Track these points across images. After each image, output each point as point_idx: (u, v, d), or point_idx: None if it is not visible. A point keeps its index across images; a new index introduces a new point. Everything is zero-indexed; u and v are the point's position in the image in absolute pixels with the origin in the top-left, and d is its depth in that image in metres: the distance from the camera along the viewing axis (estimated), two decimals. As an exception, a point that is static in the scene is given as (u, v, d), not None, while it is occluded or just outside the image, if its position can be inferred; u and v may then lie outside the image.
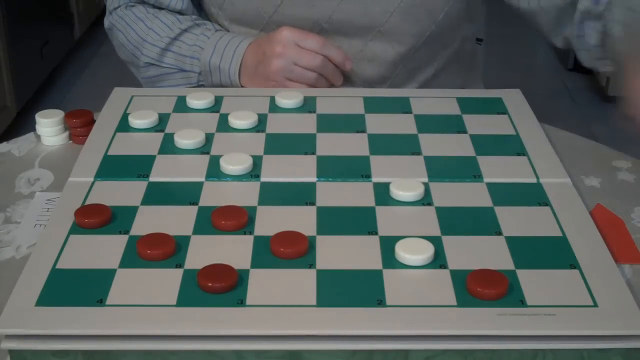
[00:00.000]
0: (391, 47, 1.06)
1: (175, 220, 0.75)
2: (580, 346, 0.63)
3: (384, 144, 0.89)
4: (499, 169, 0.84)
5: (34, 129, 0.96)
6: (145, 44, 1.10)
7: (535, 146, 0.89)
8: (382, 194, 0.80)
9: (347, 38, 1.06)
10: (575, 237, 0.73)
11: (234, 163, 0.83)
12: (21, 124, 2.61)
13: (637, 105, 0.85)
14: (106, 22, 1.18)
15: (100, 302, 0.64)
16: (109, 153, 0.87)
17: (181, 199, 0.79)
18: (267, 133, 0.91)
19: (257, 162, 0.84)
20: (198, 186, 0.81)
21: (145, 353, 0.62)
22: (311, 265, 0.69)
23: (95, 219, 0.74)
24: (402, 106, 0.97)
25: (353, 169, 0.84)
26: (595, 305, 0.65)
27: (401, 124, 0.93)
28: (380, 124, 0.93)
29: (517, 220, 0.76)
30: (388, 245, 0.71)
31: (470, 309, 0.64)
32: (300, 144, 0.88)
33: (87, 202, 0.77)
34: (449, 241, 0.72)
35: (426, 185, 0.81)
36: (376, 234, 0.73)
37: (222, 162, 0.83)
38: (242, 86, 1.06)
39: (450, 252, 0.71)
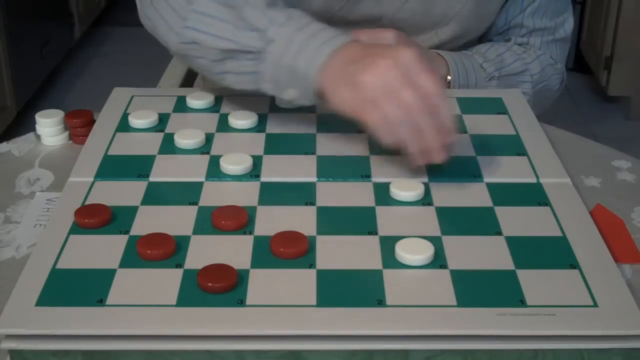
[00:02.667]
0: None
1: (175, 220, 0.75)
2: (580, 346, 0.63)
3: (383, 144, 0.88)
4: (499, 169, 0.84)
5: (34, 129, 0.96)
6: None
7: (535, 146, 0.89)
8: (382, 194, 0.80)
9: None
10: (575, 237, 0.73)
11: (234, 163, 0.83)
12: (21, 124, 2.61)
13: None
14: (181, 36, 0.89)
15: (100, 302, 0.64)
16: (109, 153, 0.87)
17: (181, 199, 0.79)
18: (267, 133, 0.91)
19: (257, 162, 0.84)
20: (198, 186, 0.81)
21: (145, 353, 0.62)
22: (311, 265, 0.69)
23: (95, 219, 0.74)
24: (402, 106, 0.97)
25: (353, 169, 0.84)
26: (595, 305, 0.65)
27: (401, 124, 0.93)
28: (380, 124, 0.93)
29: (517, 220, 0.76)
30: (388, 245, 0.71)
31: (470, 309, 0.64)
32: (300, 144, 0.88)
33: (87, 202, 0.77)
34: (449, 241, 0.72)
35: (426, 185, 0.81)
36: (376, 234, 0.73)
37: (222, 162, 0.83)
38: (317, 84, 0.82)
39: (450, 252, 0.71)
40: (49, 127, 0.94)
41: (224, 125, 0.92)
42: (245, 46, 0.84)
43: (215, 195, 0.79)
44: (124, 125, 0.92)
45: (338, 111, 0.81)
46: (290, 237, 0.71)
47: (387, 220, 0.75)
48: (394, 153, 0.87)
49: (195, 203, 0.78)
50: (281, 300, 0.65)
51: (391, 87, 0.76)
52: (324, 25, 0.84)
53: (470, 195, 0.80)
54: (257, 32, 0.84)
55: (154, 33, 0.94)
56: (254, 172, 0.83)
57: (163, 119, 0.94)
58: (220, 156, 0.85)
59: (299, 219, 0.75)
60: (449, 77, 1.07)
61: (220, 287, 0.65)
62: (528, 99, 1.10)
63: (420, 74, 0.76)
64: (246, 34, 0.84)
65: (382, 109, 0.76)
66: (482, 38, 1.16)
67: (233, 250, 0.71)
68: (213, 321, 0.62)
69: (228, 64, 0.87)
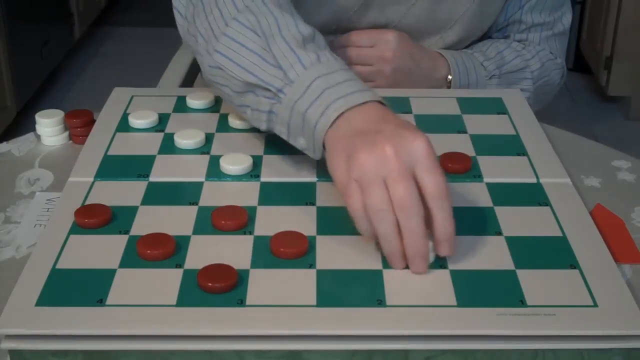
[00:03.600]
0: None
1: (175, 220, 0.75)
2: (580, 346, 0.63)
3: (384, 144, 0.88)
4: (499, 169, 0.84)
5: (34, 129, 0.96)
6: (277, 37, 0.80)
7: (535, 146, 0.89)
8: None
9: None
10: (575, 237, 0.73)
11: (234, 163, 0.83)
12: (21, 124, 2.61)
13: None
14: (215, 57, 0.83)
15: (100, 302, 0.64)
16: (109, 153, 0.87)
17: (181, 199, 0.79)
18: (267, 133, 0.91)
19: (257, 162, 0.84)
20: (198, 186, 0.81)
21: (145, 353, 0.62)
22: (311, 265, 0.69)
23: (95, 219, 0.74)
24: (402, 106, 0.97)
25: (353, 169, 0.84)
26: (595, 305, 0.65)
27: (401, 124, 0.93)
28: (380, 124, 0.93)
29: (517, 220, 0.76)
30: (388, 245, 0.71)
31: (470, 309, 0.64)
32: (300, 144, 0.88)
33: (87, 202, 0.77)
34: (449, 241, 0.72)
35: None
36: (376, 234, 0.73)
37: (222, 162, 0.83)
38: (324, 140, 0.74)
39: (450, 252, 0.71)
40: (49, 127, 0.94)
41: (224, 125, 0.92)
42: (265, 82, 0.78)
43: (215, 195, 0.79)
44: (124, 125, 0.92)
45: (329, 170, 0.74)
46: (290, 237, 0.71)
47: (387, 220, 0.75)
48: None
49: (195, 203, 0.78)
50: (281, 300, 0.65)
51: (385, 176, 0.67)
52: (350, 76, 0.76)
53: (470, 195, 0.80)
54: (280, 70, 0.78)
55: (195, 52, 0.89)
56: (254, 172, 0.83)
57: (163, 119, 0.94)
58: (220, 156, 0.85)
59: (299, 219, 0.75)
60: (449, 77, 1.07)
61: (220, 287, 0.65)
62: (529, 96, 1.10)
63: (428, 170, 0.67)
64: (269, 70, 0.78)
65: (365, 194, 0.67)
66: (482, 36, 1.16)
67: (233, 250, 0.70)
68: (213, 321, 0.62)
69: (249, 98, 0.81)
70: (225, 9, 0.84)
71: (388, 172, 0.67)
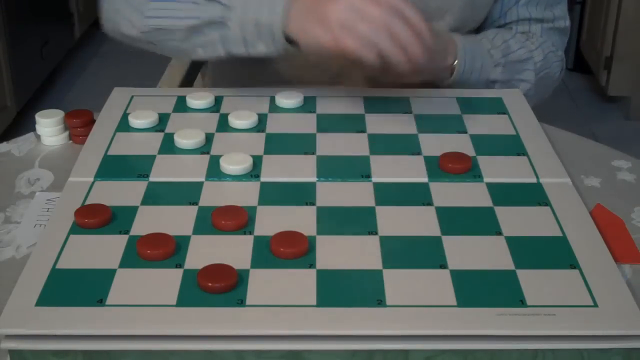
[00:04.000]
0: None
1: (175, 220, 0.75)
2: (580, 346, 0.63)
3: (384, 144, 0.89)
4: (499, 169, 0.84)
5: (34, 129, 0.96)
6: None
7: (535, 146, 0.89)
8: (383, 193, 0.79)
9: None
10: (575, 237, 0.73)
11: (234, 163, 0.83)
12: (21, 124, 2.61)
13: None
14: None
15: (100, 302, 0.64)
16: (109, 153, 0.87)
17: (181, 199, 0.79)
18: (267, 133, 0.91)
19: (257, 162, 0.84)
20: (198, 186, 0.81)
21: (145, 353, 0.62)
22: (311, 265, 0.69)
23: (95, 219, 0.74)
24: (402, 106, 0.97)
25: (353, 169, 0.84)
26: (595, 305, 0.65)
27: (401, 124, 0.93)
28: (380, 124, 0.93)
29: (517, 220, 0.76)
30: (388, 245, 0.71)
31: (470, 309, 0.64)
32: (300, 144, 0.88)
33: (87, 202, 0.77)
34: (449, 241, 0.72)
35: (426, 185, 0.81)
36: (376, 234, 0.73)
37: (222, 162, 0.83)
38: (285, 31, 0.87)
39: (450, 252, 0.71)
40: (49, 127, 0.94)
41: (224, 125, 0.92)
42: (208, 18, 0.91)
43: (215, 195, 0.79)
44: (124, 125, 0.92)
45: (313, 50, 0.85)
46: (290, 237, 0.71)
47: (387, 220, 0.75)
48: (394, 153, 0.87)
49: (195, 203, 0.78)
50: (281, 300, 0.65)
51: (356, 8, 0.80)
52: None
53: (470, 195, 0.80)
54: (215, 2, 0.90)
55: (115, 31, 1.00)
56: (254, 172, 0.83)
57: (163, 119, 0.94)
58: (220, 156, 0.85)
59: (299, 219, 0.75)
60: (455, 62, 1.05)
61: (220, 287, 0.65)
62: (530, 87, 1.10)
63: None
64: (206, 8, 0.91)
65: (356, 30, 0.80)
66: (479, 30, 1.16)
67: (233, 250, 0.70)
68: (213, 321, 0.62)
69: (197, 40, 0.93)
70: None
71: (357, 5, 0.81)
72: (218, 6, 0.90)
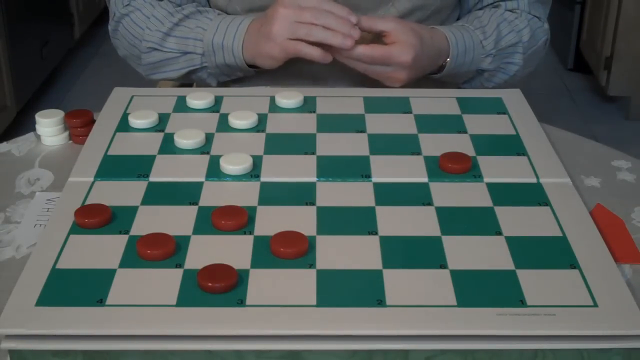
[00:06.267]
0: (397, 15, 1.09)
1: (175, 220, 0.75)
2: (580, 346, 0.63)
3: (384, 144, 0.89)
4: (499, 169, 0.84)
5: (34, 129, 0.96)
6: (147, 30, 1.09)
7: (535, 146, 0.89)
8: (382, 194, 0.80)
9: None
10: (575, 237, 0.73)
11: (234, 163, 0.83)
12: (21, 124, 2.61)
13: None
14: (112, 24, 1.15)
15: (100, 302, 0.64)
16: (109, 153, 0.87)
17: (181, 199, 0.79)
18: (267, 133, 0.91)
19: (257, 162, 0.84)
20: (198, 186, 0.81)
21: (145, 353, 0.62)
22: (311, 265, 0.69)
23: (95, 219, 0.74)
24: (402, 106, 0.97)
25: (353, 169, 0.84)
26: (595, 305, 0.65)
27: (401, 124, 0.93)
28: (380, 124, 0.93)
29: (517, 220, 0.76)
30: (388, 245, 0.71)
31: (470, 309, 0.64)
32: (300, 144, 0.88)
33: (87, 202, 0.77)
34: (449, 241, 0.72)
35: (426, 185, 0.81)
36: (376, 234, 0.73)
37: (222, 162, 0.83)
38: (245, 62, 1.05)
39: (450, 252, 0.71)
40: (49, 127, 0.94)
41: (224, 125, 0.92)
42: (192, 67, 1.10)
43: (215, 195, 0.79)
44: (124, 125, 0.92)
45: (270, 65, 1.03)
46: (290, 237, 0.71)
47: (387, 220, 0.75)
48: (394, 153, 0.87)
49: (195, 203, 0.78)
50: (281, 300, 0.65)
51: (291, 20, 0.99)
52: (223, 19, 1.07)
53: (470, 195, 0.80)
54: (192, 54, 1.09)
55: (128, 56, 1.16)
56: (254, 172, 0.83)
57: (163, 119, 0.94)
58: (220, 156, 0.85)
59: (299, 219, 0.75)
60: (447, 60, 1.06)
61: (220, 287, 0.65)
62: (517, 69, 1.11)
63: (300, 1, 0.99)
64: (187, 58, 1.09)
65: (297, 34, 0.98)
66: (462, 11, 1.17)
67: (233, 250, 0.70)
68: (213, 321, 0.62)
69: (190, 77, 1.13)
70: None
71: (291, 16, 0.99)
72: (196, 56, 1.08)
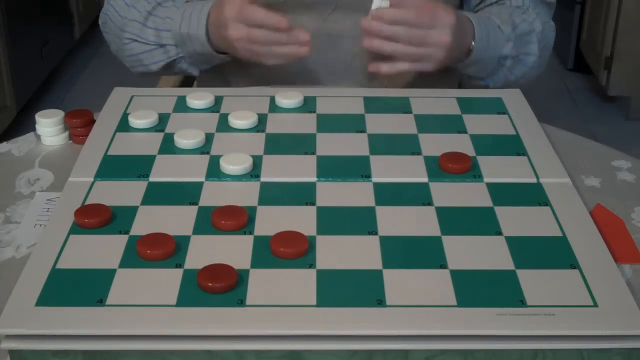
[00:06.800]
0: None
1: (175, 220, 0.75)
2: (580, 346, 0.63)
3: (384, 144, 0.89)
4: (499, 169, 0.84)
5: (34, 129, 0.96)
6: (126, 20, 1.10)
7: (535, 146, 0.89)
8: (382, 194, 0.80)
9: (351, 14, 1.07)
10: (575, 237, 0.73)
11: (234, 163, 0.83)
12: (21, 124, 2.61)
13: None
14: (102, 17, 1.17)
15: (100, 302, 0.64)
16: (109, 153, 0.87)
17: (181, 199, 0.79)
18: (267, 133, 0.91)
19: (257, 162, 0.84)
20: (198, 186, 0.81)
21: (145, 353, 0.62)
22: (311, 265, 0.69)
23: (95, 219, 0.74)
24: (402, 106, 0.97)
25: (353, 169, 0.84)
26: (595, 305, 0.65)
27: (401, 124, 0.93)
28: (380, 124, 0.93)
29: (517, 220, 0.76)
30: (388, 245, 0.71)
31: (470, 309, 0.64)
32: (300, 144, 0.88)
33: (87, 202, 0.77)
34: (449, 241, 0.72)
35: (426, 185, 0.81)
36: (376, 234, 0.73)
37: (222, 162, 0.83)
38: (215, 50, 1.06)
39: (450, 252, 0.71)
40: (49, 127, 0.94)
41: (224, 125, 0.92)
42: (169, 58, 1.10)
43: (215, 195, 0.79)
44: (124, 125, 0.92)
45: (244, 55, 1.04)
46: (290, 237, 0.71)
47: (387, 220, 0.75)
48: (394, 153, 0.87)
49: (195, 203, 0.78)
50: (281, 300, 0.65)
51: (246, 35, 1.00)
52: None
53: (470, 195, 0.80)
54: (168, 46, 1.09)
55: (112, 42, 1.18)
56: (254, 172, 0.83)
57: (163, 119, 0.94)
58: (220, 156, 0.85)
59: (299, 219, 0.75)
60: (473, 44, 1.04)
61: (220, 287, 0.65)
62: (535, 59, 1.10)
63: (255, 13, 0.99)
64: (164, 50, 1.10)
65: (250, 38, 1.00)
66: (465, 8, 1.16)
67: (233, 250, 0.70)
68: (213, 321, 0.62)
69: (173, 69, 1.13)
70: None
71: (245, 34, 1.00)
72: (170, 47, 1.08)
